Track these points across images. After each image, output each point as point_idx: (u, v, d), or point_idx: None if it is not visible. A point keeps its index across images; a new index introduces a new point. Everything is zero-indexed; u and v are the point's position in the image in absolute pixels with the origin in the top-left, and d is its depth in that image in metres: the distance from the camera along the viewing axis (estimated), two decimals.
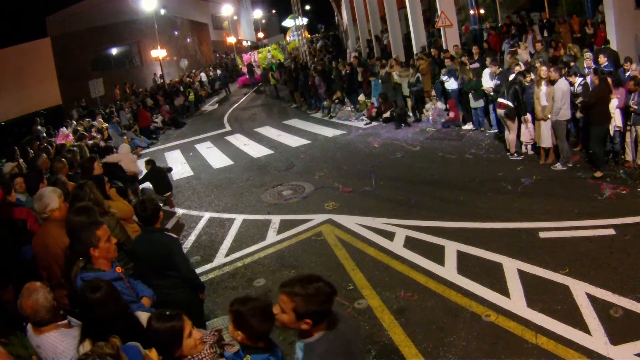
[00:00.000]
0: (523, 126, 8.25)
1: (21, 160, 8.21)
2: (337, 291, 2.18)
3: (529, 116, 8.06)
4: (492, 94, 9.14)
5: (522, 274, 4.91)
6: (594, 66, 8.09)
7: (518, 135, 8.40)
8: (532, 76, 8.10)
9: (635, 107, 6.67)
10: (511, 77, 8.61)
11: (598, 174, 6.88)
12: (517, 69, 8.58)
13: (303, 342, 2.19)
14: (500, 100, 8.30)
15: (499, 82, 8.94)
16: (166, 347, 2.55)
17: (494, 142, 9.34)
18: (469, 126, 10.57)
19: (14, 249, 4.27)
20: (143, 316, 2.94)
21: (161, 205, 6.32)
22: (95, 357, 2.11)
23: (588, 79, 7.51)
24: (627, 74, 7.31)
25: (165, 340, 2.54)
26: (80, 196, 4.20)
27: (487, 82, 9.34)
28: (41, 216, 3.94)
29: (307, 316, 2.09)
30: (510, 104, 8.07)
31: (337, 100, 14.79)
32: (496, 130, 9.67)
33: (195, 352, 2.59)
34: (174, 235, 3.84)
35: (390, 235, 6.28)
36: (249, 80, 25.96)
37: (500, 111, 8.29)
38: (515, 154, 8.37)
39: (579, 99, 7.29)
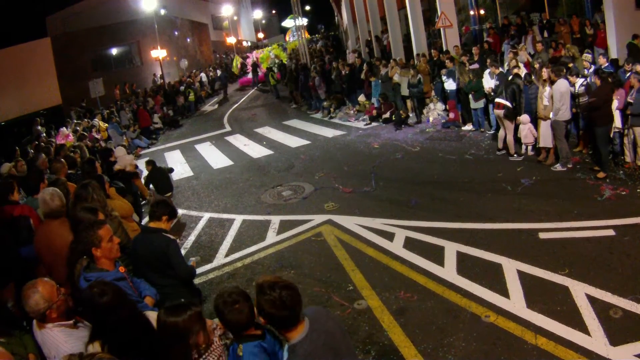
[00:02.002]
0: (523, 127, 8.27)
1: (21, 162, 8.17)
2: (297, 301, 2.23)
3: (525, 117, 8.10)
4: (492, 94, 9.17)
5: (521, 275, 4.91)
6: (593, 67, 8.11)
7: (515, 138, 8.42)
8: (532, 77, 8.12)
9: (632, 101, 6.67)
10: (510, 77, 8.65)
11: (601, 174, 6.89)
12: (516, 70, 8.59)
13: (287, 344, 2.22)
14: (498, 100, 8.33)
15: (498, 82, 8.96)
16: (187, 339, 2.47)
17: (493, 143, 9.34)
18: (469, 127, 10.57)
19: (14, 247, 4.27)
20: (150, 315, 2.94)
21: None
22: None
23: (589, 80, 7.51)
24: (628, 74, 7.32)
25: (188, 330, 2.47)
26: (82, 196, 4.21)
27: (488, 82, 9.35)
28: (60, 211, 3.93)
29: (260, 314, 2.22)
30: (508, 104, 8.09)
31: (334, 104, 14.81)
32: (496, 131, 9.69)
33: (210, 340, 2.58)
34: (172, 237, 3.83)
35: (390, 236, 6.28)
36: (252, 80, 25.77)
37: (499, 111, 8.31)
38: (515, 155, 8.39)
39: (582, 99, 7.29)
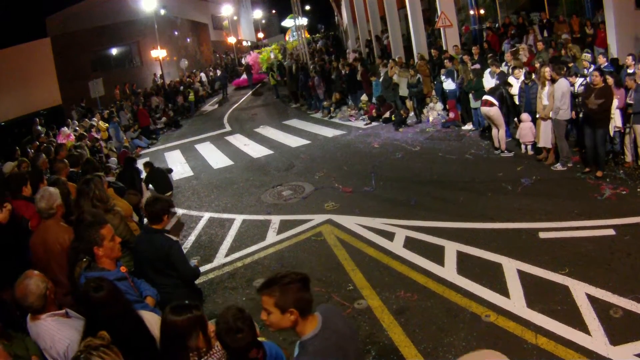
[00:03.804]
0: (523, 125, 8.28)
1: (25, 162, 8.17)
2: (310, 280, 2.21)
3: (525, 115, 8.12)
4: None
5: (521, 274, 4.91)
6: (593, 67, 8.10)
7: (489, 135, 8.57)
8: (533, 76, 8.12)
9: (631, 102, 6.66)
10: (511, 79, 8.70)
11: (599, 173, 6.88)
12: (517, 72, 8.60)
13: (299, 340, 2.22)
14: (486, 97, 8.38)
15: (499, 82, 8.96)
16: (185, 340, 2.48)
17: (494, 142, 9.33)
18: (469, 126, 10.57)
19: (17, 247, 4.26)
20: (147, 315, 2.96)
21: None
22: (89, 350, 2.11)
23: (589, 80, 7.49)
24: (631, 70, 7.29)
25: (186, 331, 2.48)
26: (85, 191, 4.21)
27: (488, 82, 9.35)
28: (48, 212, 3.93)
29: (290, 306, 2.12)
30: (495, 102, 8.25)
31: (334, 104, 14.81)
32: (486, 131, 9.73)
33: (211, 344, 2.58)
34: (174, 238, 3.84)
35: (390, 236, 6.28)
36: (247, 81, 25.37)
37: (487, 109, 8.33)
38: (505, 151, 8.51)
39: (587, 99, 7.26)
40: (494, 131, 8.65)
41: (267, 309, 2.16)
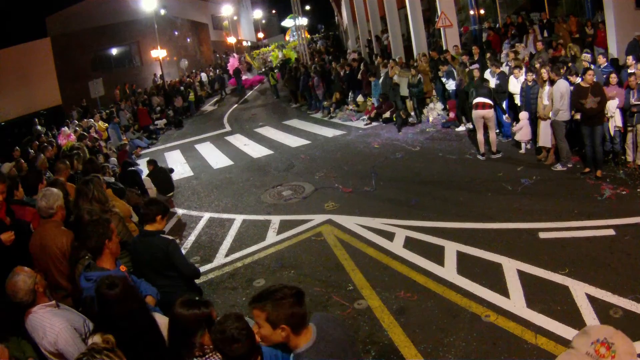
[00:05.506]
0: (523, 124, 8.28)
1: (22, 161, 8.18)
2: (305, 293, 2.14)
3: (523, 113, 8.14)
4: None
5: (521, 275, 4.91)
6: (592, 67, 8.09)
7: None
8: (534, 76, 8.11)
9: (637, 102, 6.66)
10: (511, 79, 8.69)
11: (599, 173, 6.88)
12: (517, 72, 8.58)
13: (292, 353, 2.16)
14: (480, 100, 8.33)
15: (498, 82, 8.95)
16: (192, 334, 2.47)
17: (479, 148, 9.27)
18: (462, 127, 10.55)
19: (20, 250, 4.25)
20: (156, 316, 2.97)
21: None
22: (92, 354, 2.12)
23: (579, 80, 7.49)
24: (631, 71, 7.29)
25: (192, 326, 2.48)
26: (84, 192, 4.21)
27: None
28: (48, 212, 3.91)
29: (281, 322, 2.06)
30: (491, 102, 8.27)
31: (334, 104, 14.80)
32: (497, 131, 9.67)
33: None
34: (170, 237, 3.84)
35: (390, 236, 6.28)
36: (236, 84, 24.57)
37: (482, 111, 8.31)
38: (482, 155, 8.56)
39: (584, 99, 7.27)
40: (480, 136, 8.57)
41: (258, 322, 2.10)
